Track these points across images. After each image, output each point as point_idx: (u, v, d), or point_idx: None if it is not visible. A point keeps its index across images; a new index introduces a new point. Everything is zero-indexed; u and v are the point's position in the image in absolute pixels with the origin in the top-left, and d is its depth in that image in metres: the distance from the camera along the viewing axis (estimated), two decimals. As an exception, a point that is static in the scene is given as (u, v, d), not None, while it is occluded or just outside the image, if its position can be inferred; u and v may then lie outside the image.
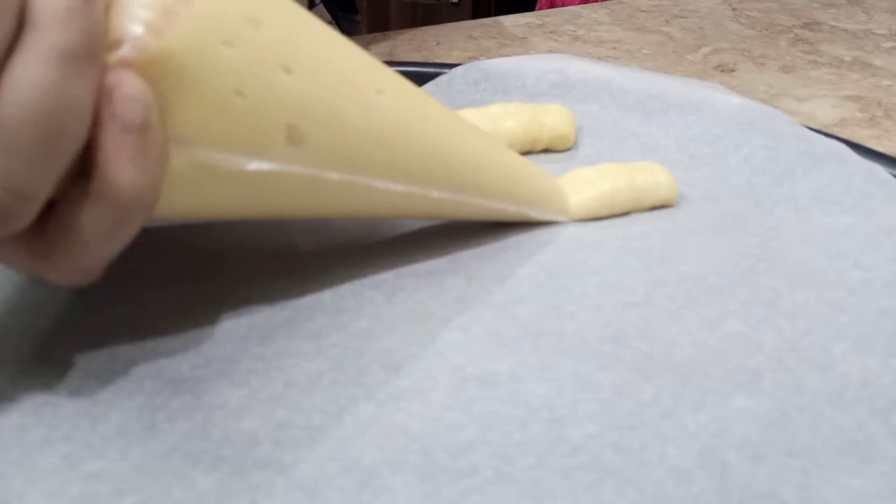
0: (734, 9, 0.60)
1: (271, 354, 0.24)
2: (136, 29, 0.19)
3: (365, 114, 0.24)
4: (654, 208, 0.32)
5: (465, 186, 0.27)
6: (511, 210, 0.29)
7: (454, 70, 0.39)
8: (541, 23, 0.56)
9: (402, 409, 0.22)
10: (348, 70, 0.24)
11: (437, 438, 0.21)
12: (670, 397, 0.22)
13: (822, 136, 0.35)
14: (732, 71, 0.49)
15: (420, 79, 0.39)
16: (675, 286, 0.27)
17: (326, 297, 0.26)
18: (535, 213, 0.29)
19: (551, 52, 0.51)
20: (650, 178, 0.32)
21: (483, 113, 0.35)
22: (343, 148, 0.23)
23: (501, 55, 0.49)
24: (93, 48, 0.19)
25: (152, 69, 0.19)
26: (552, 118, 0.36)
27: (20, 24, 0.18)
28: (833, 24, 0.57)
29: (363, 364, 0.23)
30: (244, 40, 0.21)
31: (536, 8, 0.84)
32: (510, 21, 0.57)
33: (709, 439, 0.21)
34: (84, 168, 0.19)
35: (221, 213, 0.23)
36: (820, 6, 0.61)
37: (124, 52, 0.19)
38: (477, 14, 1.45)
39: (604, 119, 0.38)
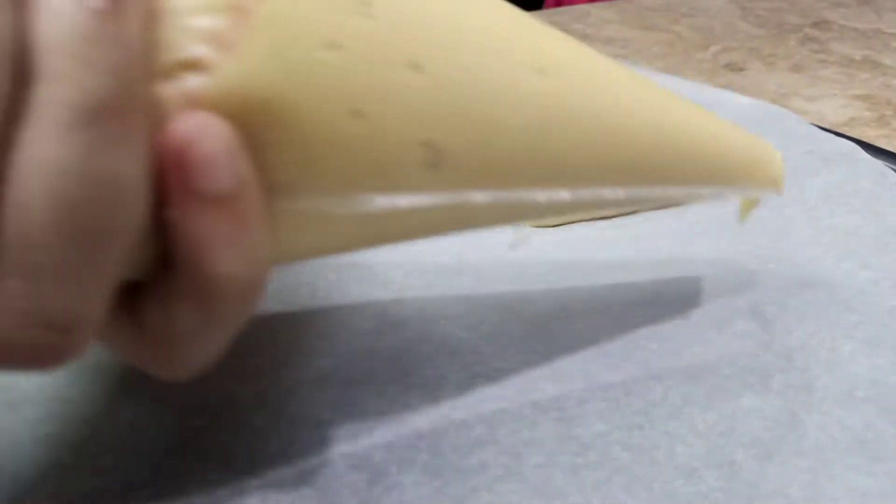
0: (743, 8, 0.60)
1: (281, 352, 0.24)
2: (197, 45, 0.13)
3: (521, 107, 0.17)
4: (664, 207, 0.32)
5: (649, 177, 0.20)
6: (706, 192, 0.22)
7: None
8: (549, 22, 0.56)
9: (412, 407, 0.22)
10: (497, 47, 0.17)
11: (447, 437, 0.21)
12: (679, 396, 0.22)
13: (831, 136, 0.35)
14: (742, 70, 0.49)
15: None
16: (685, 285, 0.27)
17: (336, 297, 0.26)
18: (735, 194, 0.23)
19: (560, 50, 0.50)
20: (659, 177, 0.31)
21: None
22: (493, 160, 0.17)
23: (510, 54, 0.49)
24: (130, 90, 0.12)
25: (230, 102, 0.13)
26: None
27: (21, 77, 0.12)
28: (842, 23, 0.57)
29: (372, 362, 0.23)
30: (354, 36, 0.15)
31: (544, 7, 0.84)
32: (518, 20, 0.57)
33: (717, 438, 0.21)
34: (167, 249, 0.14)
35: (334, 253, 0.18)
36: (829, 5, 0.61)
37: (186, 83, 0.13)
38: (484, 12, 1.44)
39: (612, 118, 0.38)
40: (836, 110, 0.43)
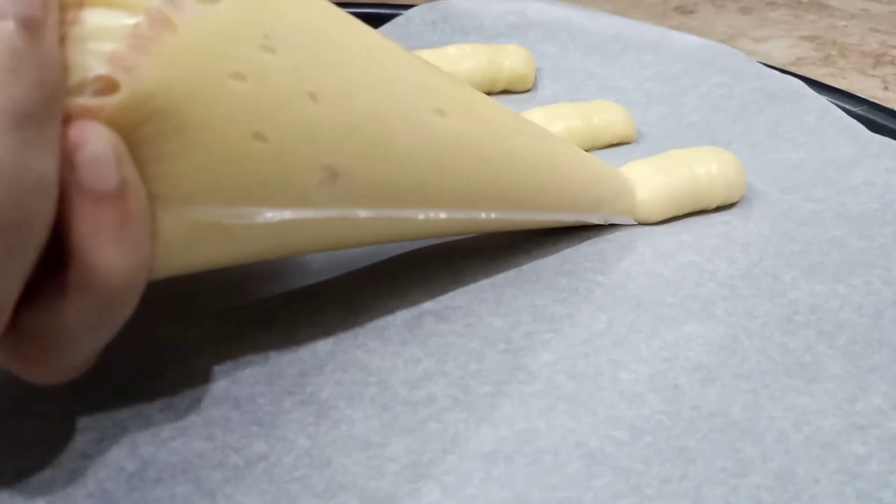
0: (694, -49, 0.60)
1: (226, 294, 0.23)
2: (99, 66, 0.15)
3: (413, 139, 0.20)
4: (611, 146, 0.32)
5: (520, 205, 0.23)
6: (570, 219, 0.25)
7: (411, 11, 0.39)
8: (500, -33, 0.55)
9: (361, 345, 0.22)
10: (396, 87, 0.20)
11: (395, 371, 0.21)
12: (623, 326, 0.23)
13: (778, 73, 0.36)
14: (692, 12, 0.49)
15: (377, 20, 0.39)
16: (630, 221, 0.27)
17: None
18: (596, 219, 0.26)
19: (511, -5, 0.50)
20: (606, 116, 0.32)
21: (440, 54, 0.35)
22: (381, 183, 0.20)
23: (460, -1, 0.48)
24: (51, 101, 0.14)
25: (126, 115, 0.15)
26: (510, 59, 0.35)
27: None
28: (792, -35, 0.57)
29: (320, 303, 0.23)
30: (258, 68, 0.17)
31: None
32: (469, -35, 0.56)
33: (661, 364, 0.21)
34: (54, 250, 0.15)
35: (227, 263, 0.19)
36: (779, -52, 0.61)
37: (85, 98, 0.15)
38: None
39: (562, 60, 0.38)
40: (783, 51, 0.44)
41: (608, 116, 0.32)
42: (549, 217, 0.25)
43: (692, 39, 0.38)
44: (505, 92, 0.36)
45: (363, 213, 0.20)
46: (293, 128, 0.18)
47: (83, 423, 0.19)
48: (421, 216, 0.21)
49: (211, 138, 0.16)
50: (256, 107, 0.17)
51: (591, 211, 0.25)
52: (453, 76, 0.22)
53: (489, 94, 0.36)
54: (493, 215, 0.23)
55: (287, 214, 0.18)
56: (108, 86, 0.15)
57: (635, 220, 0.27)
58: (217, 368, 0.21)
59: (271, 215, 0.18)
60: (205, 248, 0.18)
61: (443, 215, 0.21)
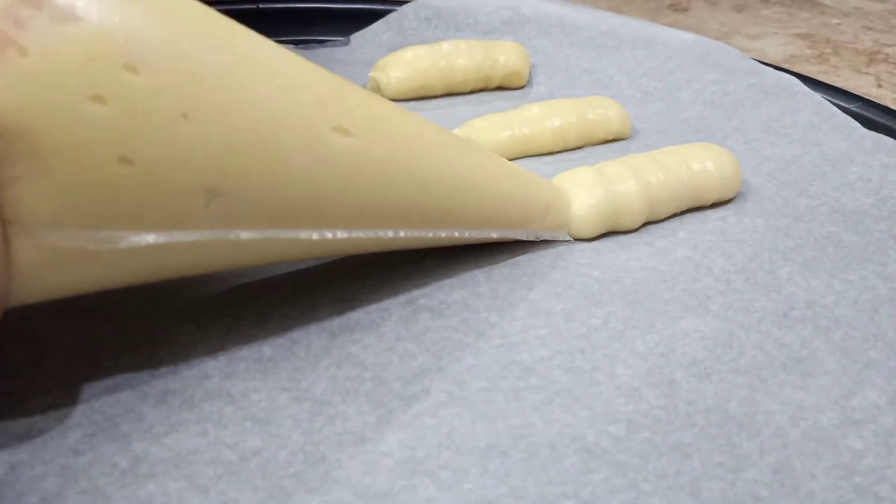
0: (688, -51, 0.60)
1: (221, 290, 0.23)
2: None
3: (311, 160, 0.19)
4: (606, 142, 0.32)
5: (435, 222, 0.22)
6: (494, 236, 0.24)
7: (405, 7, 0.38)
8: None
9: (355, 341, 0.22)
10: (286, 105, 0.19)
11: (390, 367, 0.21)
12: (620, 321, 0.22)
13: (772, 70, 0.36)
14: (686, 10, 0.49)
15: (370, 16, 0.39)
16: (627, 216, 0.27)
17: (276, 234, 0.26)
18: (524, 236, 0.25)
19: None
20: (601, 112, 0.31)
21: (434, 50, 0.35)
22: (274, 204, 0.19)
23: (454, -4, 0.48)
24: None
25: None
26: (505, 55, 0.35)
27: None
28: (785, -36, 0.58)
29: (314, 298, 0.23)
30: (120, 90, 0.16)
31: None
32: (463, -38, 0.56)
33: (657, 359, 0.21)
34: None
35: (98, 288, 0.19)
36: (772, -53, 0.61)
37: None
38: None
39: (557, 56, 0.38)
40: (777, 48, 0.44)
41: (603, 112, 0.31)
42: (468, 234, 0.24)
43: (686, 36, 0.38)
44: (500, 88, 0.36)
45: (248, 235, 0.19)
46: (163, 149, 0.17)
47: (74, 419, 0.19)
48: (315, 236, 0.20)
49: (68, 162, 0.16)
50: (120, 129, 0.16)
51: (518, 227, 0.24)
52: (367, 92, 0.21)
53: (484, 90, 0.36)
54: (402, 234, 0.22)
55: (154, 238, 0.18)
56: None
57: (570, 237, 0.26)
58: (211, 364, 0.21)
59: (137, 239, 0.17)
60: (70, 273, 0.17)
61: (342, 235, 0.20)
